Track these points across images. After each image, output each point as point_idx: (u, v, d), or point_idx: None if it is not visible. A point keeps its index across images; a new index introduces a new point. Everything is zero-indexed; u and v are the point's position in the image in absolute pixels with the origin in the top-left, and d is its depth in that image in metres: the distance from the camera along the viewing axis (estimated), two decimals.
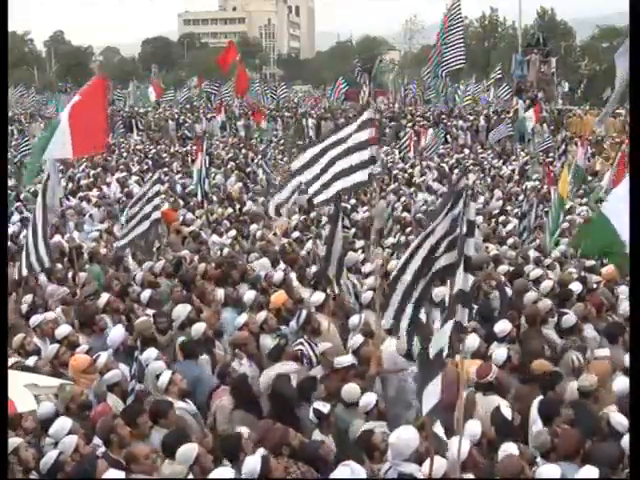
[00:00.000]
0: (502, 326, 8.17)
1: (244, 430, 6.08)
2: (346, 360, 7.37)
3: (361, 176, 8.42)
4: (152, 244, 12.85)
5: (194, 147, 21.42)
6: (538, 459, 5.90)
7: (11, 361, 7.39)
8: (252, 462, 5.46)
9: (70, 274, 10.92)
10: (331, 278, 8.77)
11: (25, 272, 9.55)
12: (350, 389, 6.83)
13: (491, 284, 10.31)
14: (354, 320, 8.63)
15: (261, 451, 5.78)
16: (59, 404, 6.52)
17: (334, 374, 7.29)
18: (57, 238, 13.95)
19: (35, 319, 8.66)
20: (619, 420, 6.01)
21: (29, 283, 10.27)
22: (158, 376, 7.17)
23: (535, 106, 31.05)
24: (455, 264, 5.30)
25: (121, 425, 5.97)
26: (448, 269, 5.45)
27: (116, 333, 8.06)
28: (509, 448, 5.64)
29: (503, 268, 11.26)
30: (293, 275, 10.86)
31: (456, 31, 22.40)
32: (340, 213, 8.90)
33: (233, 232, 14.36)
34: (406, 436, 5.72)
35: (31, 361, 7.49)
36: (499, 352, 7.49)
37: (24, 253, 9.50)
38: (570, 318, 8.51)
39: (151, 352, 7.50)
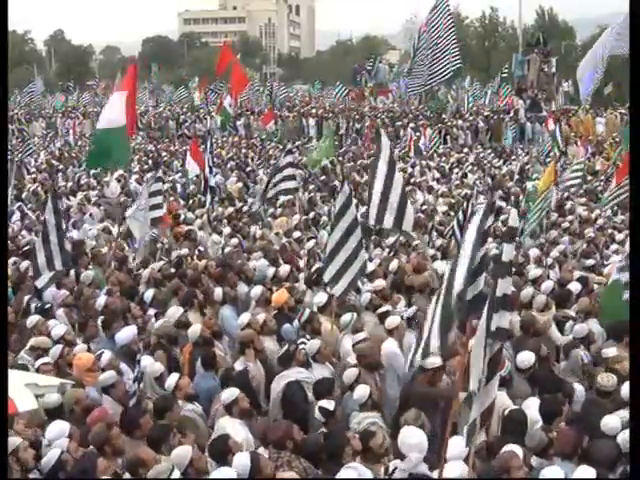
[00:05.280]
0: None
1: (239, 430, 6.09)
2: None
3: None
4: (154, 243, 12.85)
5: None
6: (533, 458, 5.89)
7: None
8: (242, 460, 5.43)
9: (72, 272, 10.91)
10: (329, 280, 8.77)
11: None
12: None
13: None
14: (345, 318, 8.64)
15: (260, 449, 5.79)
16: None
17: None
18: None
19: (32, 320, 8.60)
20: (607, 422, 5.99)
21: (26, 282, 10.26)
22: (156, 379, 7.24)
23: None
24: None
25: (116, 435, 5.91)
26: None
27: (125, 333, 8.00)
28: (509, 449, 5.57)
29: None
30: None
31: (449, 31, 22.09)
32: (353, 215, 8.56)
33: (228, 229, 14.38)
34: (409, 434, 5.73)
35: (37, 363, 7.43)
36: None
37: (33, 256, 9.50)
38: (582, 329, 8.35)
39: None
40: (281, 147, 29.90)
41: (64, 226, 11.06)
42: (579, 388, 6.90)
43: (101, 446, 5.82)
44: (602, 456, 5.57)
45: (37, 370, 7.23)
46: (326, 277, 8.71)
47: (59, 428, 5.98)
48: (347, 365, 7.60)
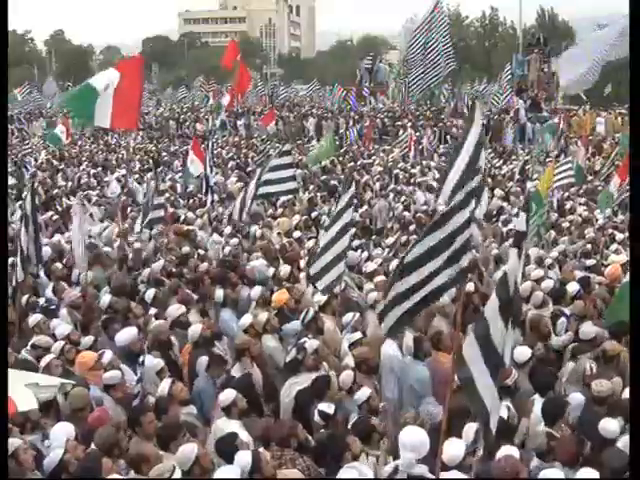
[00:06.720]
0: None
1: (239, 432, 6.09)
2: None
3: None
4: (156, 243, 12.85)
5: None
6: (534, 460, 5.88)
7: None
8: (243, 458, 5.42)
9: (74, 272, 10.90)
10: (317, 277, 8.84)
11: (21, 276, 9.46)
12: None
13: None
14: (347, 318, 8.64)
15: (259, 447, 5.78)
16: (68, 406, 6.52)
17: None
18: (57, 237, 13.97)
19: (34, 319, 8.60)
20: (604, 425, 5.96)
21: (26, 282, 10.23)
22: (158, 373, 7.24)
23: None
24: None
25: (124, 438, 5.94)
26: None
27: (125, 335, 7.94)
28: (509, 451, 5.52)
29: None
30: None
31: (442, 33, 22.00)
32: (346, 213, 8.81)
33: (228, 229, 14.36)
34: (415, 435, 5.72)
35: (43, 362, 7.40)
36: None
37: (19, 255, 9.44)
38: (589, 331, 8.25)
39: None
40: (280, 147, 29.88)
41: (40, 221, 10.96)
42: (578, 396, 6.82)
43: (110, 449, 5.78)
44: (611, 465, 5.50)
45: (46, 367, 7.21)
46: (312, 271, 8.86)
47: (64, 430, 5.95)
48: (345, 367, 7.58)
